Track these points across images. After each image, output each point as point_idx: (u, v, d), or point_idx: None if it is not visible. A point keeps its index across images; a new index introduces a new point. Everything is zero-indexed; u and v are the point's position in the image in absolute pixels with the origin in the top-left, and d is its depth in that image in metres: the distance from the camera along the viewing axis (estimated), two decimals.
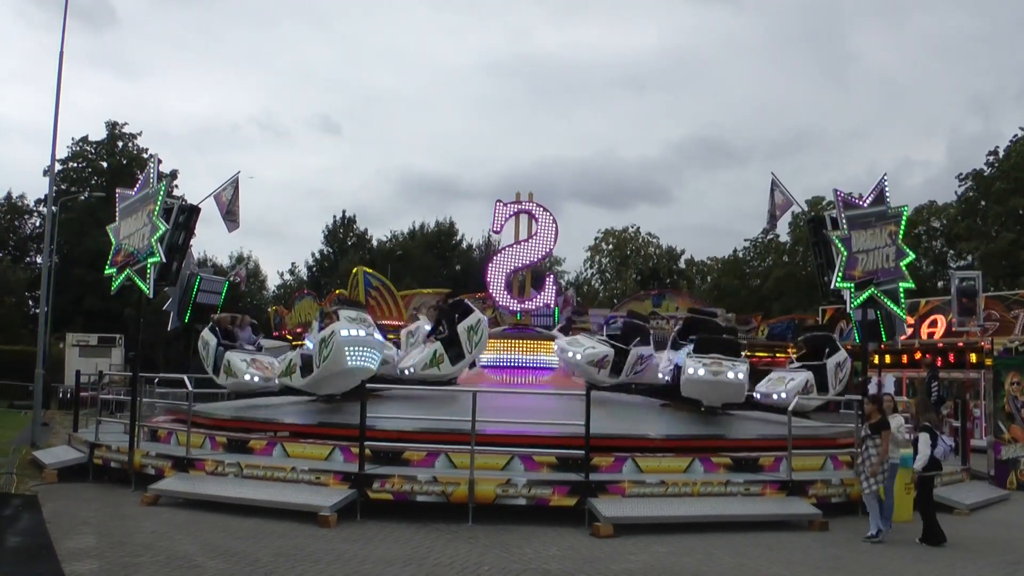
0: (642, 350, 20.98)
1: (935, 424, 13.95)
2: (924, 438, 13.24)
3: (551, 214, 22.19)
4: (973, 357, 30.29)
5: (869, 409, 13.84)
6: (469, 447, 14.19)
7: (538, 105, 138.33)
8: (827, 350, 20.64)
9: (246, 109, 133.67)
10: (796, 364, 21.28)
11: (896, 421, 13.85)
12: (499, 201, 21.53)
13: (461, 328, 19.87)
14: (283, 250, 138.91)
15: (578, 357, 20.28)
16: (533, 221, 22.00)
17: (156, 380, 26.09)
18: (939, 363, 29.69)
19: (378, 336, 18.30)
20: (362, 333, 17.47)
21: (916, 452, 13.46)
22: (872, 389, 24.06)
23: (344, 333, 17.19)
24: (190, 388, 17.78)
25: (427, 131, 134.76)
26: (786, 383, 19.58)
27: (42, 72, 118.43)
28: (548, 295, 22.97)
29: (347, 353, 17.13)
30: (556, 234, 21.91)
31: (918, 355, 32.00)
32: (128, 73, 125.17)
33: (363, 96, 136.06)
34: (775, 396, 19.38)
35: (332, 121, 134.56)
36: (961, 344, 31.77)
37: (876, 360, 28.16)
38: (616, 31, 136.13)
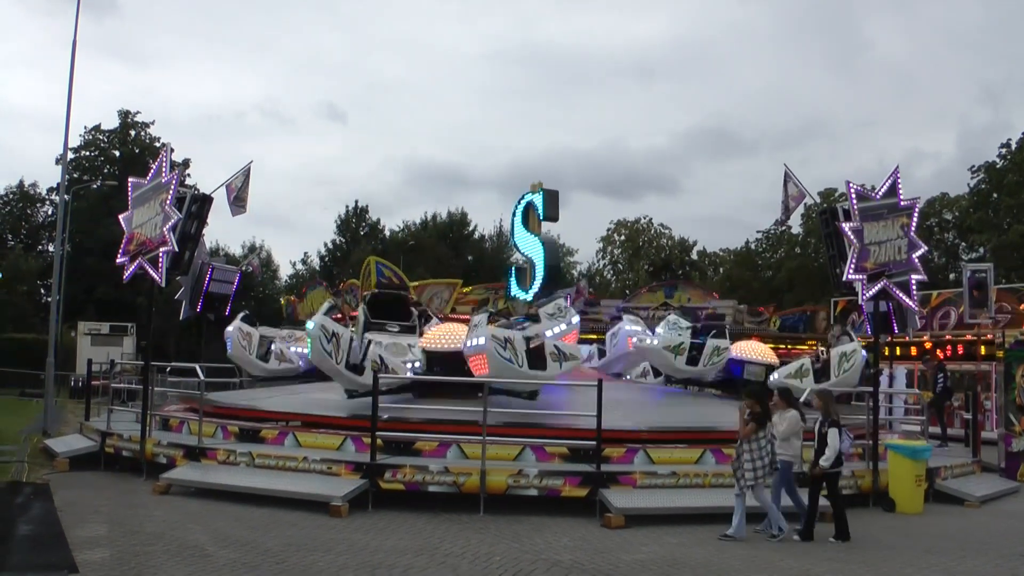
0: (719, 342, 21.35)
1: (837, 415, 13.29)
2: (833, 433, 12.65)
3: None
4: (983, 349, 30.20)
5: (748, 403, 12.92)
6: (481, 437, 14.21)
7: (546, 94, 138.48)
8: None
9: (250, 97, 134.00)
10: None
11: (789, 415, 13.00)
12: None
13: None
14: (294, 239, 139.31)
15: (655, 343, 20.47)
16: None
17: (168, 369, 26.21)
18: (941, 356, 29.61)
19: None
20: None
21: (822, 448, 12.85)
22: (884, 381, 24.14)
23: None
24: (202, 377, 17.82)
25: (434, 120, 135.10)
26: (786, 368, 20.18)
27: (44, 57, 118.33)
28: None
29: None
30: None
31: (928, 345, 31.94)
32: (131, 59, 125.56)
33: (369, 84, 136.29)
34: (771, 377, 19.95)
35: (337, 109, 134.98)
36: (969, 336, 31.72)
37: (887, 352, 28.11)
38: (624, 19, 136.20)
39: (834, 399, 13.43)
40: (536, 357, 16.82)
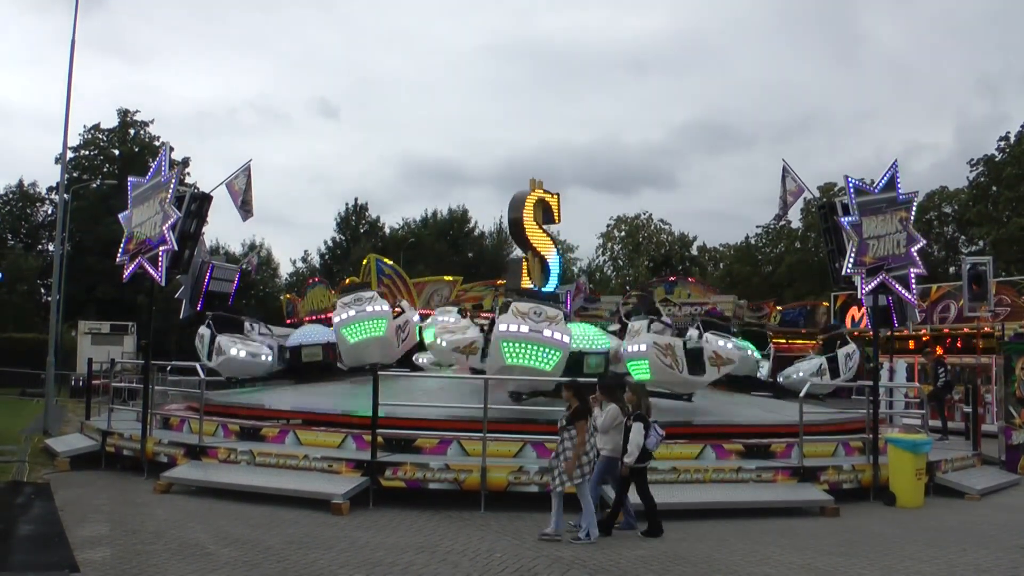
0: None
1: (647, 410, 12.99)
2: (637, 427, 12.22)
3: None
4: (983, 343, 30.19)
5: (567, 395, 12.35)
6: (481, 434, 14.22)
7: (541, 89, 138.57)
8: (838, 343, 22.06)
9: (243, 93, 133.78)
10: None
11: (610, 408, 12.43)
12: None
13: None
14: (293, 237, 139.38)
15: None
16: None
17: (168, 368, 26.21)
18: (940, 351, 29.60)
19: (375, 307, 20.99)
20: (352, 312, 20.54)
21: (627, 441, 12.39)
22: (884, 375, 24.20)
23: (336, 319, 20.58)
24: (202, 376, 17.82)
25: (428, 115, 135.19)
26: (799, 368, 20.54)
27: (35, 54, 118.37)
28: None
29: (344, 334, 20.50)
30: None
31: (927, 337, 31.96)
32: (121, 55, 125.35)
33: (363, 79, 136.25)
34: (794, 377, 21.36)
35: (331, 105, 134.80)
36: (967, 330, 31.73)
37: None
38: (619, 13, 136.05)
39: (647, 393, 12.90)
40: (695, 362, 17.70)
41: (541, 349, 16.80)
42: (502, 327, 16.92)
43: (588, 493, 11.99)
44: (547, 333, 16.87)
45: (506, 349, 16.73)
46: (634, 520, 12.57)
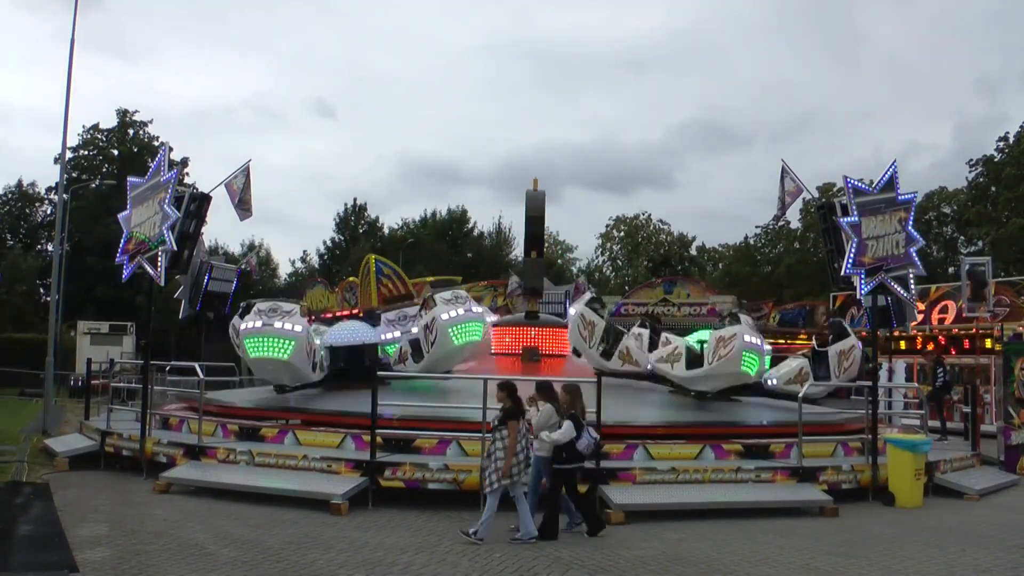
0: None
1: (581, 412, 12.91)
2: (567, 426, 12.05)
3: None
4: (988, 343, 30.18)
5: (500, 396, 12.26)
6: (480, 435, 14.19)
7: (540, 89, 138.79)
8: (831, 337, 20.54)
9: (240, 92, 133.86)
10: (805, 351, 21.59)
11: (544, 407, 12.40)
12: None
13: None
14: (292, 237, 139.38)
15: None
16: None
17: (168, 368, 26.18)
18: (937, 349, 29.64)
19: (476, 308, 19.83)
20: (460, 311, 18.92)
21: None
22: (883, 376, 24.16)
23: (444, 316, 18.62)
24: (202, 376, 17.81)
25: (426, 115, 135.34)
26: (779, 370, 19.86)
27: (32, 53, 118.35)
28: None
29: (451, 334, 18.63)
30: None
31: (922, 340, 31.98)
32: (117, 54, 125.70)
33: (360, 79, 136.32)
34: (770, 383, 19.65)
35: (328, 104, 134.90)
36: (956, 331, 31.76)
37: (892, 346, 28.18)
38: (617, 12, 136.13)
39: (581, 395, 12.70)
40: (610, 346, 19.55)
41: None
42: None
43: (521, 493, 12.02)
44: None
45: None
46: (577, 518, 12.49)
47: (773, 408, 19.19)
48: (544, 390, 12.56)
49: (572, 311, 19.52)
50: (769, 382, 19.45)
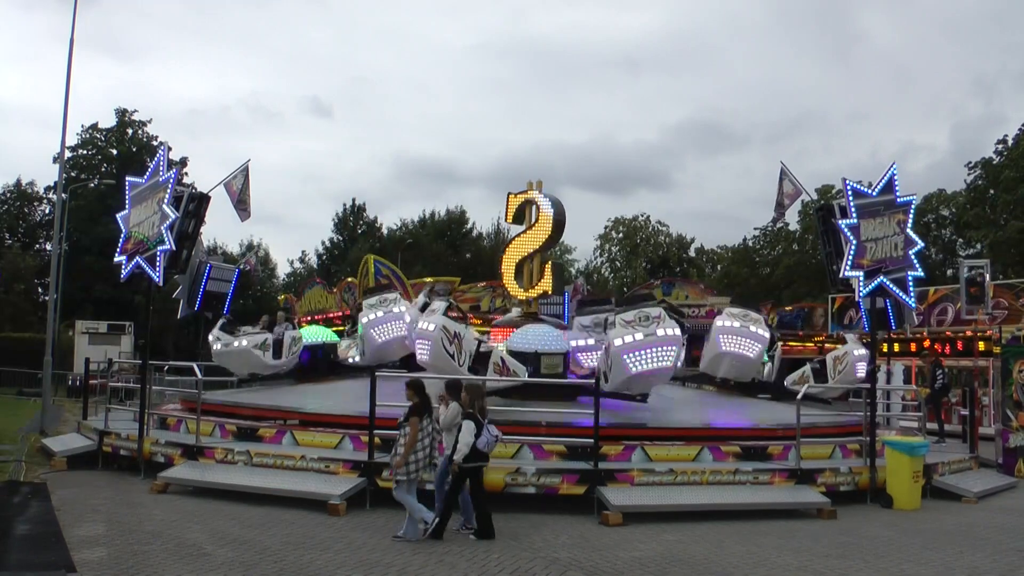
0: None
1: (482, 411, 12.38)
2: (467, 426, 12.07)
3: (549, 199, 21.87)
4: (981, 345, 30.17)
5: (408, 393, 12.37)
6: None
7: (535, 88, 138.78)
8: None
9: (235, 90, 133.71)
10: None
11: (452, 406, 12.52)
12: (511, 193, 21.37)
13: None
14: (288, 237, 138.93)
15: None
16: (537, 209, 21.78)
17: (166, 368, 26.18)
18: (938, 350, 29.65)
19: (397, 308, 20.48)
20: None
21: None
22: (881, 378, 24.18)
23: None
24: (200, 376, 17.81)
25: (422, 114, 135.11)
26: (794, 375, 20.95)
27: (28, 51, 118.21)
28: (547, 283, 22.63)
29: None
30: (557, 224, 21.55)
31: (926, 342, 31.97)
32: (113, 52, 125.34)
33: (356, 78, 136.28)
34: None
35: (323, 103, 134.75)
36: (948, 332, 31.79)
37: (885, 348, 28.15)
38: (613, 12, 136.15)
39: (482, 395, 12.68)
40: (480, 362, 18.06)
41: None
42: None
43: (413, 492, 12.11)
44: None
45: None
46: (472, 519, 12.40)
47: (771, 410, 19.22)
48: (452, 389, 12.71)
49: (428, 326, 18.00)
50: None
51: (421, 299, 19.69)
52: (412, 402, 12.20)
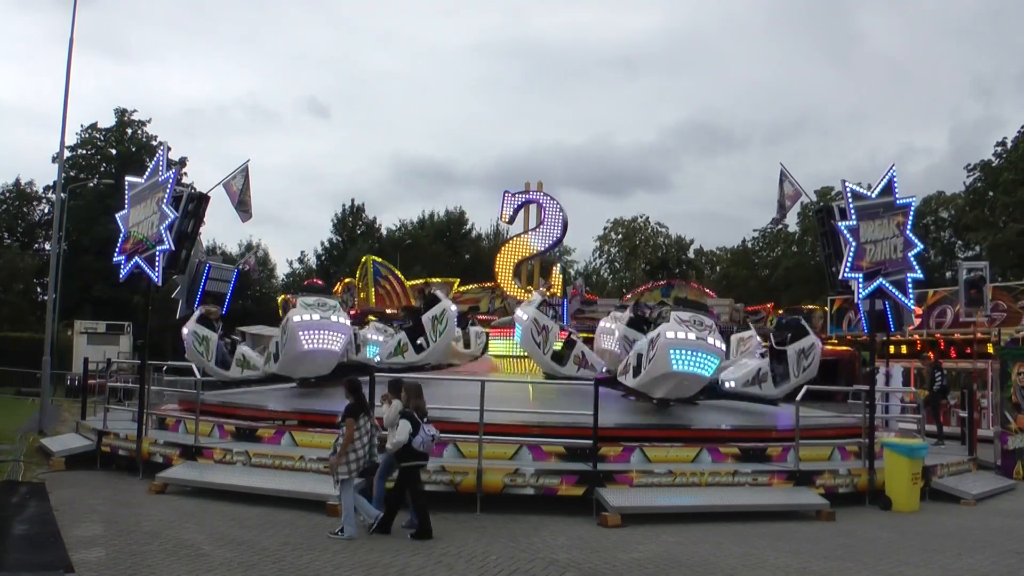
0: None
1: (422, 411, 12.50)
2: (403, 424, 12.14)
3: (558, 203, 22.00)
4: (989, 348, 30.15)
5: (345, 393, 12.52)
6: (477, 436, 14.21)
7: (533, 89, 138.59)
8: (789, 336, 19.79)
9: (233, 91, 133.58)
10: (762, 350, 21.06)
11: (393, 404, 12.70)
12: (507, 192, 21.42)
13: (426, 318, 20.96)
14: (285, 237, 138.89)
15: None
16: (541, 210, 21.85)
17: (164, 368, 26.13)
18: (933, 355, 29.60)
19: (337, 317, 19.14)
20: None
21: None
22: (880, 379, 24.15)
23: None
24: (198, 376, 17.80)
25: (420, 115, 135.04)
26: (735, 372, 19.57)
27: (26, 51, 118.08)
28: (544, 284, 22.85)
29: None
30: (564, 225, 21.69)
31: (920, 344, 31.98)
32: (110, 52, 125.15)
33: (354, 78, 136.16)
34: (727, 385, 19.40)
35: (321, 104, 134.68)
36: (959, 335, 31.75)
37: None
38: (612, 13, 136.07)
39: (420, 394, 12.69)
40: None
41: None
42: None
43: (351, 491, 12.15)
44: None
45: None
46: (415, 519, 12.36)
47: (769, 412, 19.18)
48: (394, 388, 12.90)
49: (522, 314, 19.61)
50: (727, 384, 19.29)
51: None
52: (348, 402, 12.31)
